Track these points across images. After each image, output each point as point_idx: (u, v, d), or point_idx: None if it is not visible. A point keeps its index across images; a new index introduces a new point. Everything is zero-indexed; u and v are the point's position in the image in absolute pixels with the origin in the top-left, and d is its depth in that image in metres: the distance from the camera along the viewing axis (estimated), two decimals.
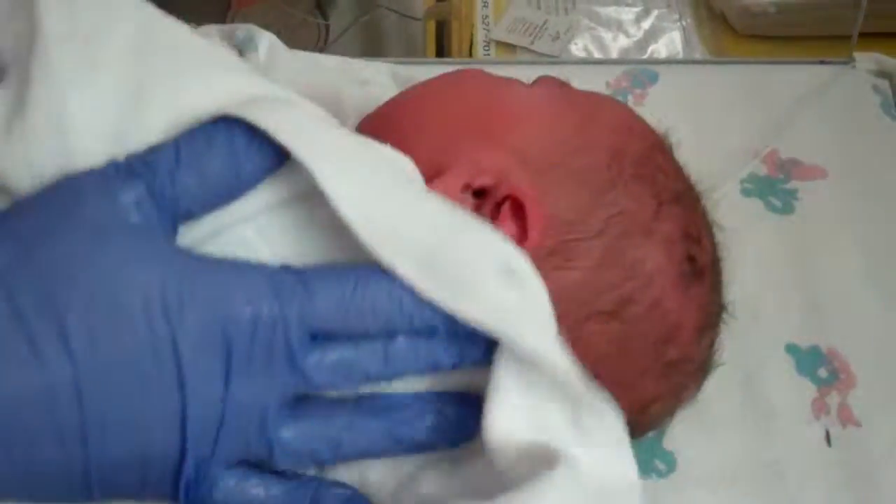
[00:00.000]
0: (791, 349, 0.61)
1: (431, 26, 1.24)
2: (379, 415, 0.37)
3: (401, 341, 0.36)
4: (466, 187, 0.46)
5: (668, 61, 0.90)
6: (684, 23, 0.99)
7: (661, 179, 0.50)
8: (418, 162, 0.44)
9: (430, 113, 0.51)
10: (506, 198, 0.46)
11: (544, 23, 0.99)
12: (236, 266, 0.36)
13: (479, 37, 0.98)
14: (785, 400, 0.59)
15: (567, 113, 0.51)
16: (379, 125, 0.51)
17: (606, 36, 0.98)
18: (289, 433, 0.36)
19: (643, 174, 0.49)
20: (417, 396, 0.38)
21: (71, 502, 0.35)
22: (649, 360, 0.48)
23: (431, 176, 0.45)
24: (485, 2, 1.02)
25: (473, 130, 0.49)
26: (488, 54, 0.97)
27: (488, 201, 0.46)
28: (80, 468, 0.33)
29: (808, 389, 0.60)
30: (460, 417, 0.38)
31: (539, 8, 1.01)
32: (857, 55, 0.79)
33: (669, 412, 0.52)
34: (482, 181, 0.46)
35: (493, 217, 0.46)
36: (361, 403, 0.38)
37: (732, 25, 0.96)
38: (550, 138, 0.49)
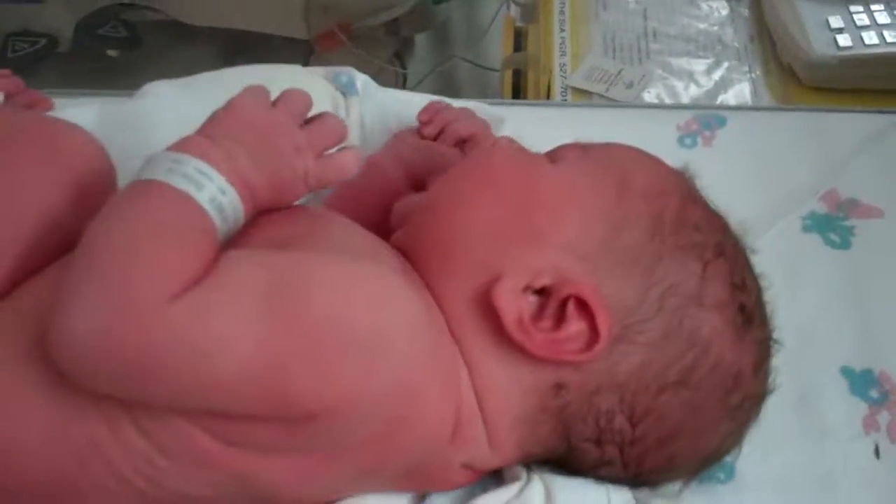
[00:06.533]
0: (846, 371, 0.66)
1: (508, 74, 1.32)
2: None
3: None
4: (527, 288, 0.50)
5: (735, 107, 0.96)
6: (753, 74, 1.05)
7: (699, 239, 0.53)
8: (471, 271, 0.50)
9: (470, 219, 0.53)
10: (569, 296, 0.50)
11: (619, 71, 1.05)
12: None
13: (557, 83, 1.05)
14: (837, 417, 0.63)
15: (599, 186, 0.54)
16: (420, 238, 0.55)
17: (678, 85, 1.04)
18: None
19: (684, 241, 0.52)
20: None
21: None
22: (718, 411, 0.53)
23: (490, 282, 0.50)
24: (563, 50, 1.09)
25: (518, 231, 0.52)
26: (566, 100, 1.03)
27: (552, 301, 0.50)
28: None
29: (860, 408, 0.63)
30: None
31: (615, 58, 1.08)
32: None
33: (737, 442, 0.57)
34: (542, 282, 0.50)
35: (560, 316, 0.50)
36: None
37: (798, 77, 1.02)
38: (591, 218, 0.52)
